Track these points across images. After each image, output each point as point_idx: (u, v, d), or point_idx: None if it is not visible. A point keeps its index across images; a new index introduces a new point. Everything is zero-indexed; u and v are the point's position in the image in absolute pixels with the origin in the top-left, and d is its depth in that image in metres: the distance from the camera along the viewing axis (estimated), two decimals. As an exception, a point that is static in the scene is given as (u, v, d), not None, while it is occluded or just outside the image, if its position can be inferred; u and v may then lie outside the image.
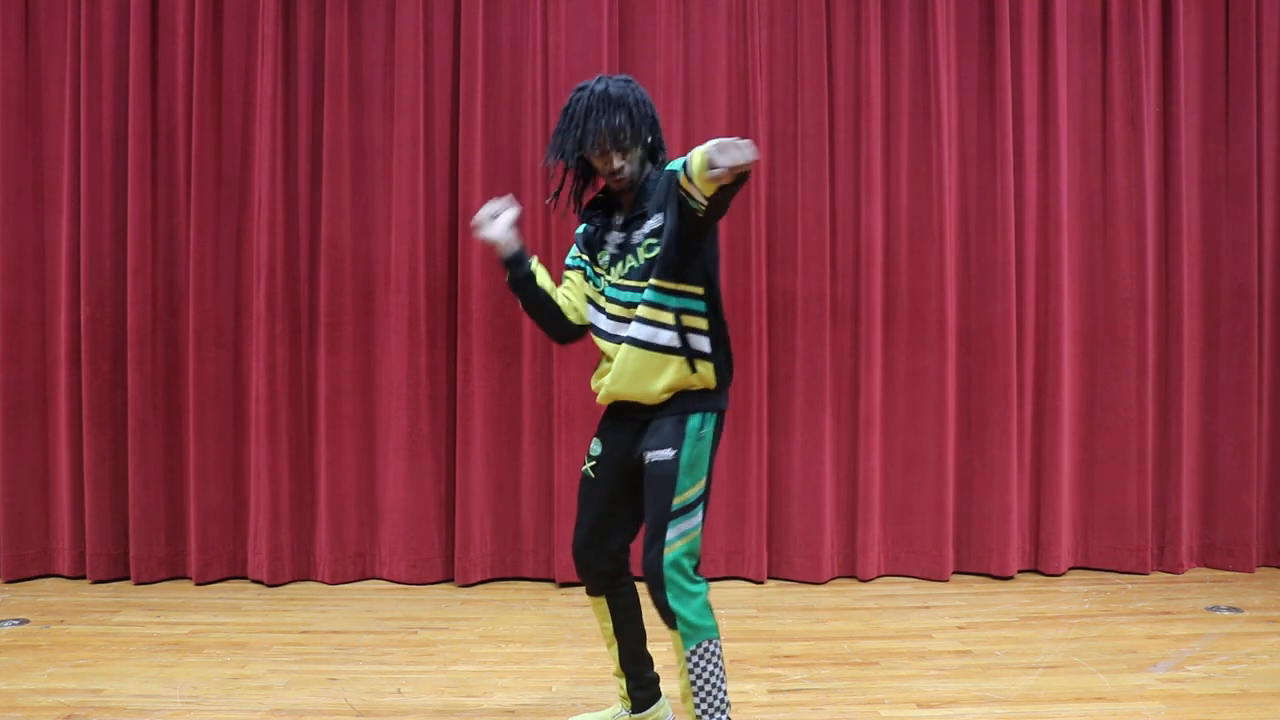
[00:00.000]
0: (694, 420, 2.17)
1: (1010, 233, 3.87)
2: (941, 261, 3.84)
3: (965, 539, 3.93)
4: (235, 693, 2.72)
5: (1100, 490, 3.97)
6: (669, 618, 2.10)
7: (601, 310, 2.25)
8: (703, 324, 2.17)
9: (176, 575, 3.84)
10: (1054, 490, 3.93)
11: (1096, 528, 3.99)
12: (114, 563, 3.81)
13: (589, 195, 2.34)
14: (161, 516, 3.81)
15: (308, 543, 3.86)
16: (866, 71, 3.84)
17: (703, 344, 2.17)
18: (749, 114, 3.83)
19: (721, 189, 1.93)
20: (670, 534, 2.10)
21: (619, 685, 2.43)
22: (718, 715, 2.13)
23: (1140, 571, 3.92)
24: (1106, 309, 3.96)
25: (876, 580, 3.88)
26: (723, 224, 2.28)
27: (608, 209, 2.30)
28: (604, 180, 2.25)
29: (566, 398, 3.77)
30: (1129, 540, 3.94)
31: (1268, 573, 3.99)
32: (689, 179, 1.96)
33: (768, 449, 3.86)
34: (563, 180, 2.27)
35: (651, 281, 2.13)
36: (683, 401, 2.17)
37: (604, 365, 2.26)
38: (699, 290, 2.16)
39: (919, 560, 3.90)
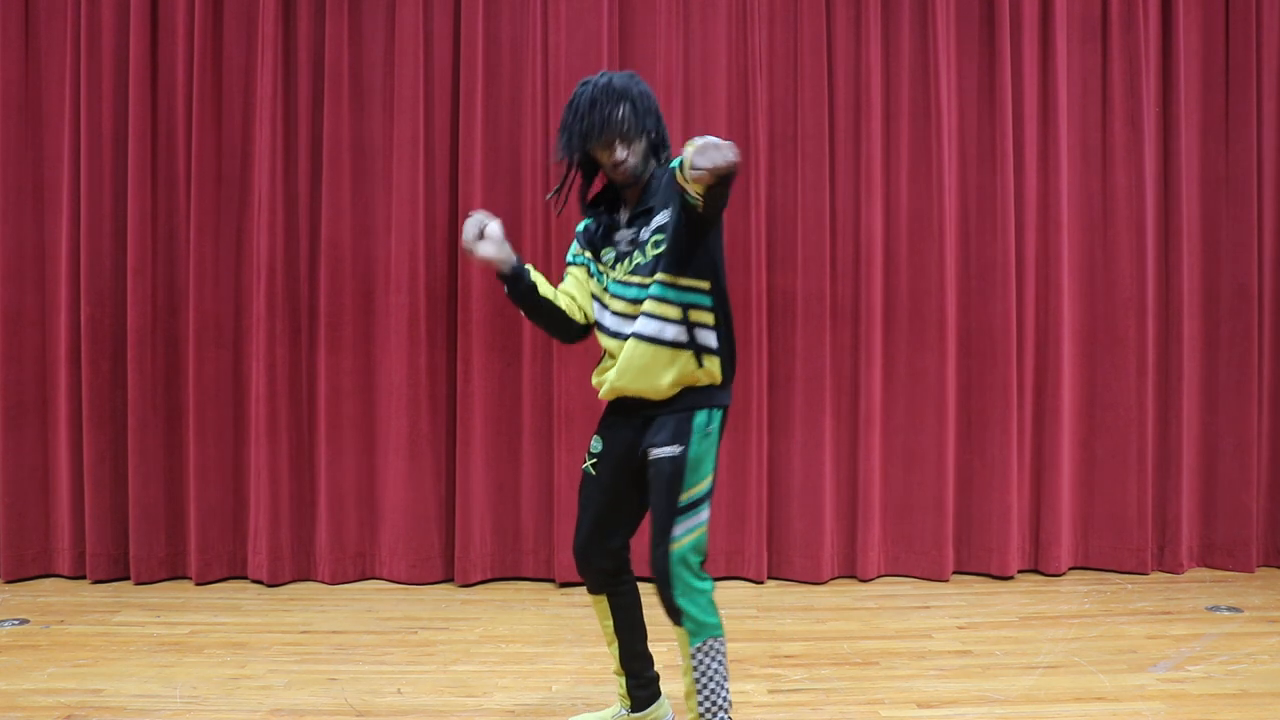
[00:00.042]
0: (700, 416, 2.16)
1: (1010, 233, 3.87)
2: (941, 261, 3.84)
3: (965, 539, 3.93)
4: (235, 693, 2.72)
5: (1100, 490, 3.97)
6: (675, 614, 2.10)
7: (606, 307, 2.24)
8: (709, 319, 2.17)
9: (176, 575, 3.84)
10: (1054, 490, 3.93)
11: (1096, 528, 3.99)
12: (114, 563, 3.81)
13: (591, 193, 2.34)
14: (161, 516, 3.81)
15: (308, 543, 3.86)
16: (866, 71, 3.84)
17: (709, 339, 2.17)
18: (749, 114, 3.83)
19: (710, 187, 1.93)
20: (677, 530, 2.10)
21: (619, 684, 2.43)
22: (720, 714, 2.13)
23: (1140, 571, 3.92)
24: (1106, 309, 3.96)
25: (876, 580, 3.88)
26: (724, 222, 2.28)
27: (611, 206, 2.30)
28: (606, 176, 2.25)
29: (566, 398, 3.77)
30: (1129, 540, 3.94)
31: (1268, 573, 3.99)
32: (683, 174, 1.96)
33: (768, 449, 3.86)
34: (566, 176, 2.26)
35: (658, 277, 2.13)
36: (688, 397, 2.17)
37: (607, 361, 2.26)
38: (705, 285, 2.15)
39: (919, 560, 3.90)
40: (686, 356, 2.15)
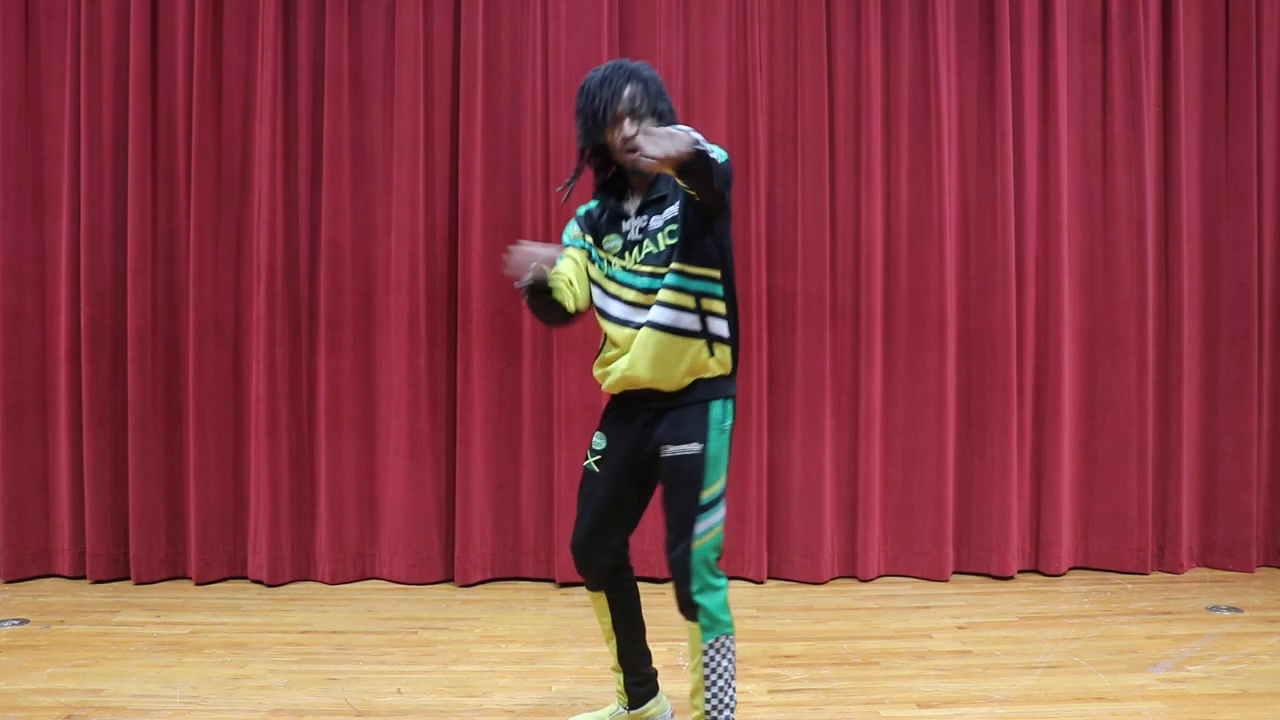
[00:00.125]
0: (716, 410, 2.16)
1: (1010, 233, 3.86)
2: (941, 261, 3.84)
3: (965, 539, 3.93)
4: (235, 693, 2.72)
5: (1100, 490, 3.97)
6: (691, 610, 2.11)
7: (614, 297, 2.21)
8: (721, 307, 2.17)
9: (176, 575, 3.84)
10: (1054, 490, 3.93)
11: (1097, 528, 3.99)
12: (114, 563, 3.81)
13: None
14: (161, 516, 3.81)
15: (308, 543, 3.86)
16: (866, 71, 3.84)
17: (721, 328, 2.17)
18: (749, 114, 3.83)
19: (684, 176, 1.92)
20: (698, 528, 2.10)
21: (616, 680, 2.43)
22: (726, 713, 2.13)
23: (1140, 571, 3.92)
24: (1106, 309, 3.96)
25: (876, 580, 3.88)
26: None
27: (618, 194, 2.27)
28: (617, 161, 2.21)
29: (566, 398, 3.77)
30: (1129, 540, 3.94)
31: (1268, 573, 3.99)
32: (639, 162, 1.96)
33: (768, 449, 3.86)
34: (579, 166, 2.25)
35: (673, 266, 2.12)
36: (701, 388, 2.17)
37: (610, 352, 2.23)
38: (716, 274, 2.16)
39: (919, 560, 3.90)
40: (699, 346, 2.14)
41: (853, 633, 3.25)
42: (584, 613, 3.43)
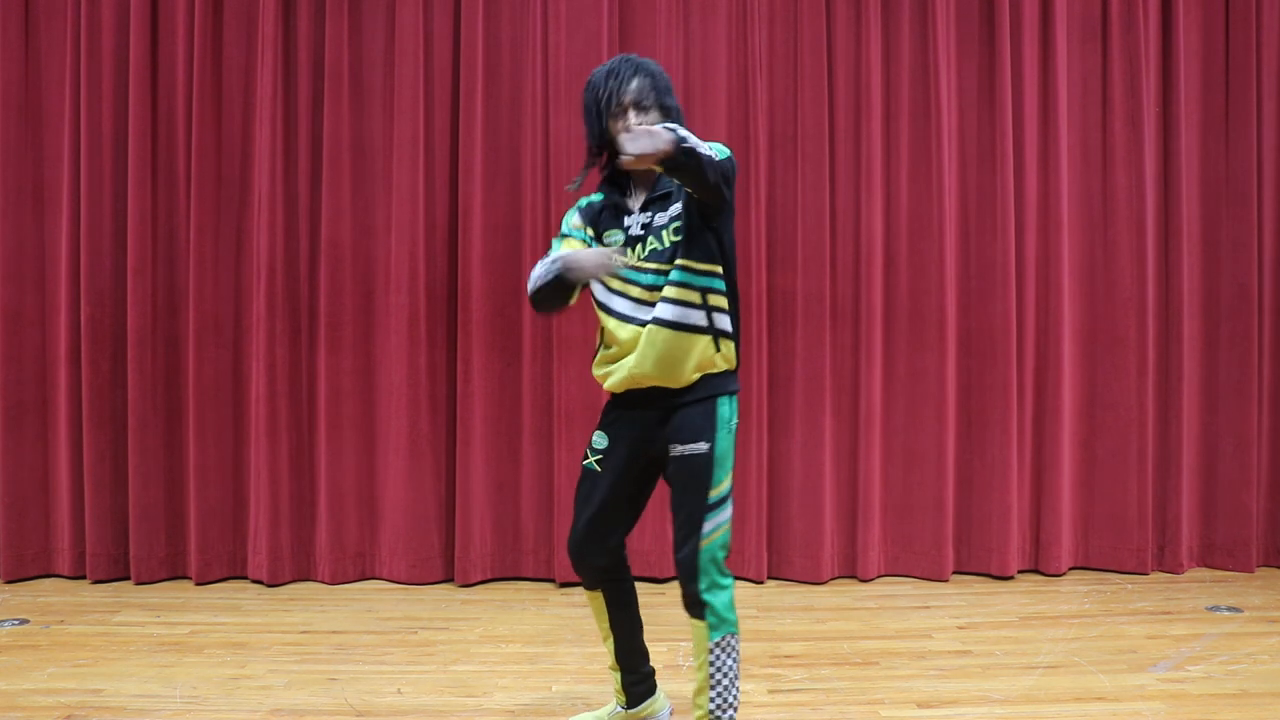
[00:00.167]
0: (724, 408, 2.17)
1: (1010, 233, 3.86)
2: (941, 261, 3.84)
3: (965, 539, 3.93)
4: (235, 693, 2.72)
5: (1100, 490, 3.97)
6: (698, 609, 2.11)
7: (617, 293, 2.19)
8: (724, 303, 2.17)
9: (176, 575, 3.84)
10: (1054, 490, 3.93)
11: (1096, 528, 3.99)
12: (114, 563, 3.81)
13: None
14: (161, 516, 3.81)
15: (308, 543, 3.86)
16: (866, 71, 3.84)
17: (725, 323, 2.17)
18: (749, 114, 3.83)
19: (672, 173, 1.91)
20: (707, 527, 2.11)
21: (614, 679, 2.43)
22: (729, 712, 2.14)
23: (1140, 571, 3.92)
24: (1106, 309, 3.96)
25: (876, 580, 3.88)
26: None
27: (622, 189, 2.26)
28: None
29: (566, 398, 3.77)
30: (1129, 540, 3.94)
31: (1268, 573, 3.99)
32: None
33: (768, 449, 3.86)
34: (589, 161, 2.25)
35: (679, 262, 2.12)
36: (708, 384, 2.17)
37: (611, 350, 2.21)
38: (718, 269, 2.16)
39: (919, 560, 3.90)
40: (706, 341, 2.15)
41: (853, 633, 3.25)
42: (584, 613, 3.43)
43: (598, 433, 2.29)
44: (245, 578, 3.84)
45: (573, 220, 2.31)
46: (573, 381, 3.75)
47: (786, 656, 3.01)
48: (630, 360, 2.16)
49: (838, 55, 3.87)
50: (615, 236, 2.23)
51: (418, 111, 3.79)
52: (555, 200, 3.78)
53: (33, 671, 2.87)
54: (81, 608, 3.51)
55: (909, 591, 3.74)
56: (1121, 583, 3.85)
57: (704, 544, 2.10)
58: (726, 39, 3.84)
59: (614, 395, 2.28)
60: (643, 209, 2.21)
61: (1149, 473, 3.93)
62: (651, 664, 2.45)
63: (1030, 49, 3.89)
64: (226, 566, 3.85)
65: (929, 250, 3.86)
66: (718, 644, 2.11)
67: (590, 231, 2.27)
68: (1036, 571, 3.97)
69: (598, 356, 2.28)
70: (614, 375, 2.21)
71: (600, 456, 2.27)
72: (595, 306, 2.25)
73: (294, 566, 3.83)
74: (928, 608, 3.53)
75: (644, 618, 2.41)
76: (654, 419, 2.19)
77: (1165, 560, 3.98)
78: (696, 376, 2.16)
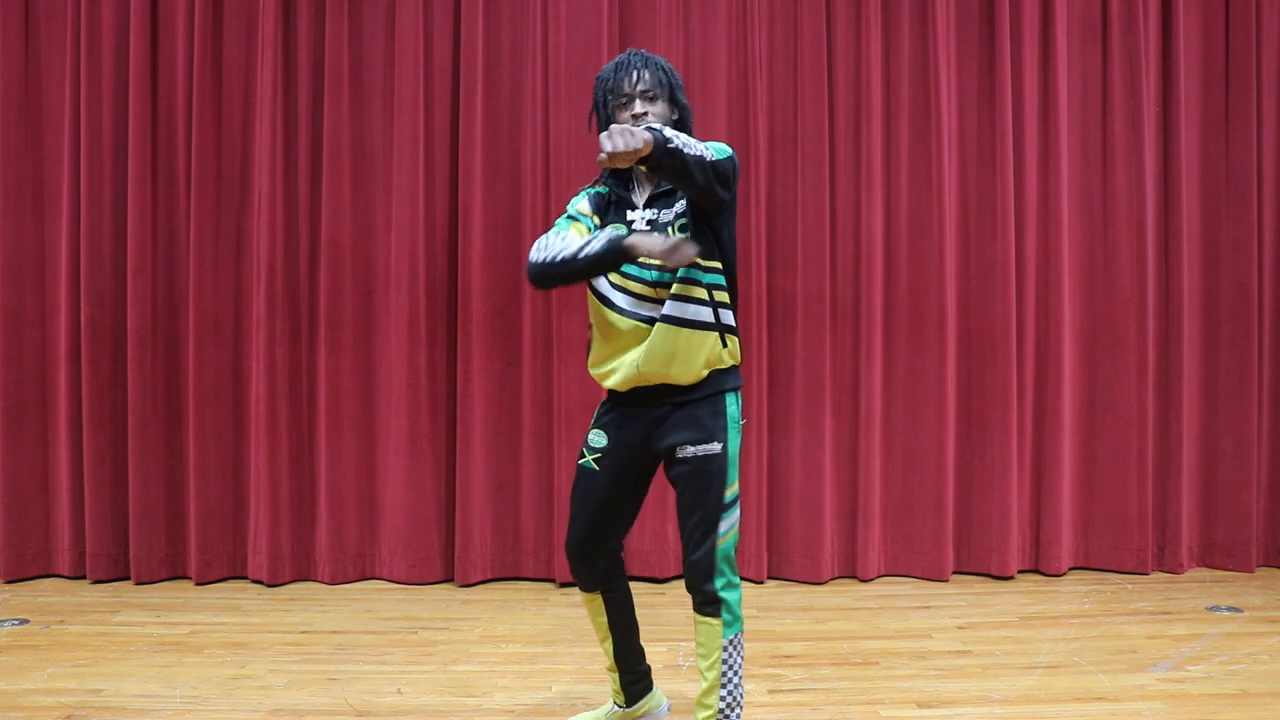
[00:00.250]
0: (732, 407, 2.18)
1: (1010, 233, 3.86)
2: (941, 261, 3.84)
3: (965, 539, 3.93)
4: (235, 693, 2.72)
5: (1100, 490, 3.97)
6: (714, 607, 2.12)
7: (619, 288, 2.16)
8: (727, 298, 2.18)
9: (176, 575, 3.84)
10: (1054, 490, 3.93)
11: (1097, 528, 3.99)
12: (114, 563, 3.81)
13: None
14: (161, 516, 3.81)
15: (308, 543, 3.86)
16: (866, 71, 3.84)
17: (729, 318, 2.18)
18: (749, 114, 3.83)
19: (656, 172, 1.91)
20: (723, 526, 2.13)
21: (612, 680, 2.43)
22: (737, 710, 2.15)
23: (1140, 571, 3.92)
24: (1106, 309, 3.96)
25: (876, 580, 3.88)
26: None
27: (625, 185, 2.25)
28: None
29: (566, 398, 3.77)
30: (1129, 540, 3.94)
31: (1268, 573, 3.99)
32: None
33: (767, 449, 3.86)
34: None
35: None
36: (714, 381, 2.17)
37: (608, 346, 2.19)
38: (719, 265, 2.17)
39: (919, 560, 3.90)
40: (714, 337, 2.15)
41: (853, 633, 3.25)
42: (583, 613, 3.43)
43: (595, 431, 2.27)
44: (245, 578, 3.84)
45: (580, 205, 2.26)
46: (573, 381, 3.75)
47: (786, 656, 3.01)
48: (637, 358, 2.14)
49: (838, 55, 3.87)
50: (619, 230, 2.22)
51: (418, 111, 3.79)
52: (555, 200, 3.77)
53: (33, 671, 2.87)
54: (81, 608, 3.51)
55: (909, 591, 3.74)
56: (1121, 583, 3.85)
57: (720, 543, 2.12)
58: (726, 39, 3.84)
59: (613, 393, 2.25)
60: (647, 205, 2.21)
61: (1149, 473, 3.93)
62: (648, 662, 2.45)
63: (1030, 49, 3.89)
64: (226, 566, 3.85)
65: (929, 250, 3.86)
66: (731, 641, 2.13)
67: (597, 220, 2.24)
68: (1036, 571, 3.97)
69: (592, 354, 2.25)
70: (618, 373, 2.18)
71: (599, 455, 2.25)
72: (592, 300, 2.21)
73: (294, 566, 3.83)
74: (928, 608, 3.53)
75: (644, 618, 2.42)
76: (658, 417, 2.18)
77: (1165, 560, 3.99)
78: (706, 373, 2.16)
